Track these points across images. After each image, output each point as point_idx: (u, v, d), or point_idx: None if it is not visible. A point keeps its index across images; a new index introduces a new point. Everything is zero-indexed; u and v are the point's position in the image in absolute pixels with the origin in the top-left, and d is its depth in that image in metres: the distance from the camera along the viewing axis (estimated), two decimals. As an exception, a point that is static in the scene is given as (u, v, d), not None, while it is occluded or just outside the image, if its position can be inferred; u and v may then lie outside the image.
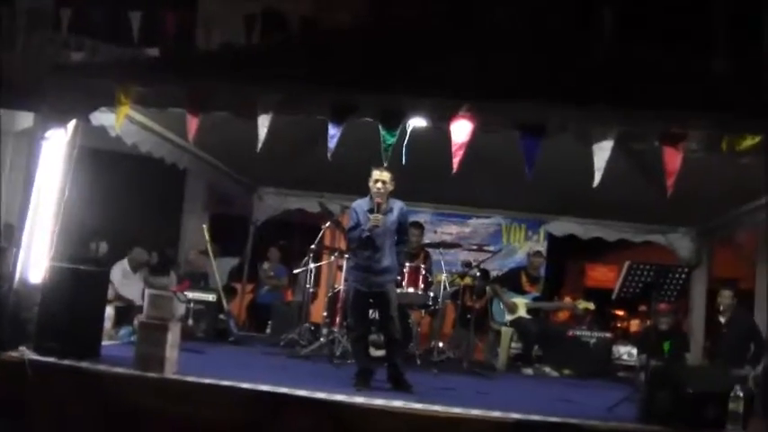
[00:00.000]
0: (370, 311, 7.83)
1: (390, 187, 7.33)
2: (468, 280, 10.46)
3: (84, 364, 6.53)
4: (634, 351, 11.02)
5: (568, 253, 16.76)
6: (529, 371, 10.22)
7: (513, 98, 6.90)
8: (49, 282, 6.97)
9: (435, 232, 13.16)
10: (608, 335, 11.57)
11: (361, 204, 7.48)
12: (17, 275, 7.01)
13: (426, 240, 10.99)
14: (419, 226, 10.46)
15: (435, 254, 10.38)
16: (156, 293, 7.22)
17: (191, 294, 10.12)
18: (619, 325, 16.61)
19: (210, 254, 10.69)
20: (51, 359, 6.53)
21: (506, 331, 10.46)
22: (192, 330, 9.72)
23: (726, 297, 9.53)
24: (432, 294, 9.56)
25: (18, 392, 6.24)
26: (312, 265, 10.21)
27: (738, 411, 6.10)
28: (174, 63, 8.52)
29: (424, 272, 9.46)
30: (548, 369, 10.37)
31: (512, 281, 10.89)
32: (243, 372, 7.09)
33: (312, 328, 10.20)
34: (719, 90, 7.36)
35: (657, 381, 6.65)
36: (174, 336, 6.76)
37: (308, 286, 10.27)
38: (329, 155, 6.95)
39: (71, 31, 13.04)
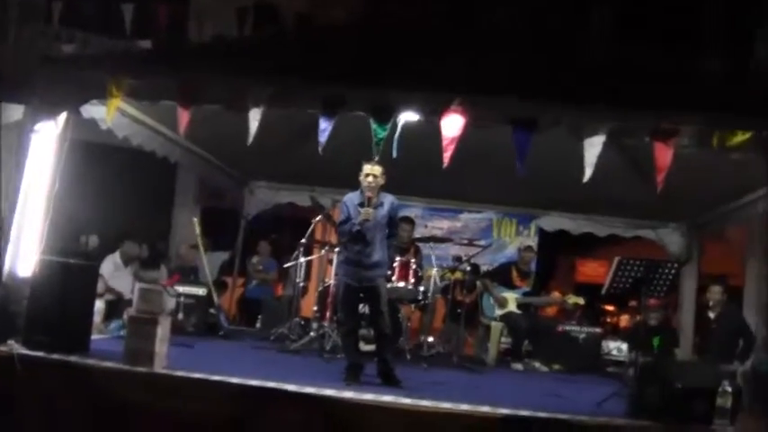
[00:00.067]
0: (361, 306, 7.83)
1: (381, 181, 7.32)
2: (458, 274, 10.49)
3: (73, 359, 6.52)
4: (624, 346, 11.05)
5: (559, 248, 16.80)
6: (519, 366, 10.23)
7: (505, 93, 6.91)
8: (39, 275, 6.95)
9: (426, 227, 13.17)
10: (598, 330, 11.58)
11: (351, 198, 7.47)
12: (6, 269, 6.99)
13: (417, 235, 10.99)
14: (410, 221, 10.46)
15: (426, 248, 10.38)
16: (146, 287, 7.20)
17: (181, 288, 10.11)
18: (609, 320, 16.62)
19: (201, 248, 10.66)
20: (40, 353, 6.51)
21: (496, 326, 10.46)
22: (182, 324, 9.71)
23: (715, 293, 9.55)
24: (422, 289, 9.55)
25: (7, 387, 6.22)
26: (303, 260, 10.21)
27: (726, 407, 6.13)
28: (165, 55, 8.50)
29: (414, 266, 9.45)
30: (537, 364, 10.38)
31: (502, 276, 10.89)
32: (233, 366, 7.08)
33: (302, 322, 10.19)
34: (711, 87, 7.37)
35: (646, 376, 6.67)
36: (163, 330, 6.75)
37: (298, 280, 10.27)
38: (320, 149, 6.95)
39: (62, 23, 12.99)
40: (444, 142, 6.89)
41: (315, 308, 10.00)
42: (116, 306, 9.51)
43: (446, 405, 6.23)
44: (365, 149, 7.05)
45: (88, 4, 12.91)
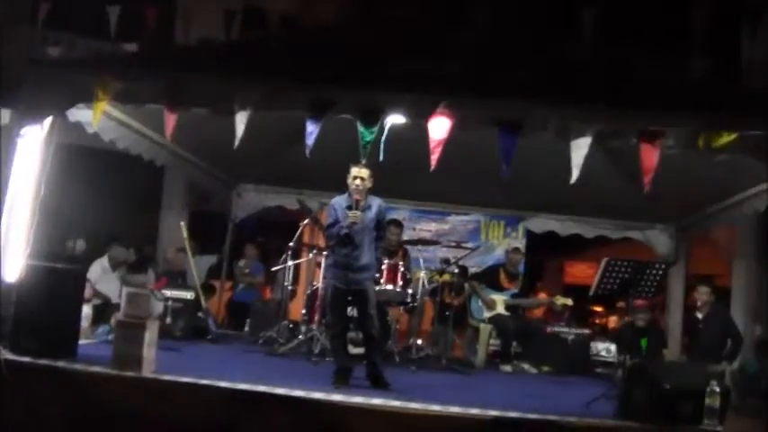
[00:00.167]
0: (349, 309, 7.82)
1: (369, 184, 7.32)
2: (446, 277, 10.48)
3: (60, 364, 6.47)
4: (612, 347, 11.07)
5: (547, 250, 16.81)
6: (507, 368, 10.23)
7: (492, 95, 6.91)
8: (26, 280, 6.90)
9: (414, 229, 13.16)
10: (586, 331, 11.63)
11: (339, 201, 7.47)
12: (-7, 274, 6.96)
13: (405, 237, 10.98)
14: (398, 224, 10.44)
15: (414, 251, 10.38)
16: (134, 291, 7.17)
17: (169, 292, 10.06)
18: (597, 321, 16.67)
19: (189, 251, 10.63)
20: (27, 358, 6.46)
21: (485, 328, 10.47)
22: (171, 329, 9.65)
23: (703, 293, 9.59)
24: (410, 291, 9.54)
25: (-6, 392, 6.19)
26: (291, 263, 10.20)
27: (715, 407, 6.15)
28: (152, 58, 8.47)
29: (402, 269, 9.44)
30: (526, 366, 10.39)
31: (490, 278, 10.89)
32: (221, 370, 7.07)
33: (291, 325, 10.16)
34: (699, 88, 7.40)
35: (634, 377, 6.68)
36: (151, 334, 6.72)
37: (286, 284, 10.25)
38: (307, 152, 6.93)
39: (48, 26, 12.95)
40: (431, 145, 6.88)
41: (303, 311, 9.96)
42: (104, 310, 9.47)
43: (435, 407, 6.23)
44: (352, 152, 7.04)
45: (74, 7, 12.90)
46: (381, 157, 7.02)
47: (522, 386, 9.02)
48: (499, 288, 10.71)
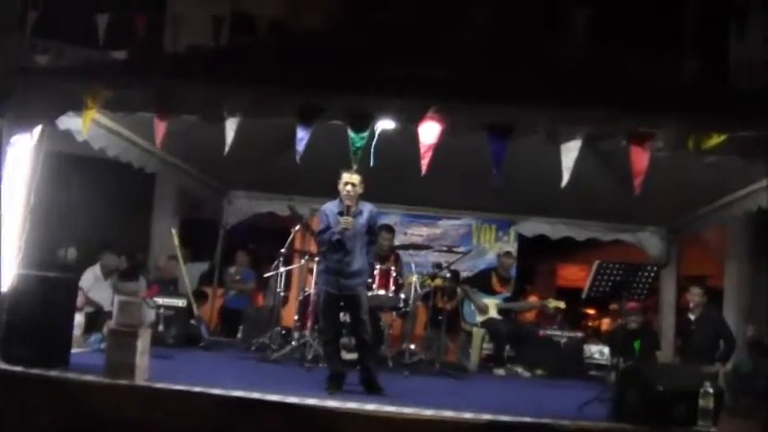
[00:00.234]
0: (342, 314, 7.81)
1: (360, 190, 7.30)
2: (438, 281, 10.46)
3: (53, 373, 6.45)
4: (605, 350, 11.08)
5: (539, 253, 16.82)
6: (501, 371, 10.24)
7: (481, 99, 6.91)
8: (17, 289, 6.87)
9: (405, 234, 13.16)
10: (579, 334, 11.64)
11: (330, 207, 7.46)
12: (-17, 284, 6.93)
13: (396, 242, 10.98)
14: (390, 229, 10.43)
15: (405, 256, 10.37)
16: (126, 300, 7.16)
17: (161, 300, 10.05)
18: (590, 324, 16.69)
19: (180, 259, 10.61)
20: (19, 368, 6.44)
21: (478, 332, 10.47)
22: (163, 336, 9.64)
23: (695, 295, 9.59)
24: (402, 296, 9.51)
25: (-14, 402, 6.17)
26: (282, 269, 10.19)
27: (708, 408, 6.14)
28: (141, 66, 8.46)
29: (394, 274, 9.42)
30: (520, 369, 10.39)
31: (482, 282, 10.90)
32: (214, 377, 7.05)
33: (283, 332, 10.14)
34: (689, 90, 7.42)
35: (627, 379, 6.68)
36: (144, 342, 6.70)
37: (278, 290, 10.24)
38: (298, 158, 6.92)
39: (36, 34, 12.93)
40: (422, 149, 6.87)
41: (296, 317, 9.95)
42: (96, 319, 9.45)
43: (429, 412, 6.22)
44: (343, 158, 7.04)
45: (62, 15, 12.89)
46: (372, 163, 7.03)
47: (515, 390, 9.03)
48: (491, 292, 10.72)
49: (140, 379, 6.54)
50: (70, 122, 7.50)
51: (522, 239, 13.46)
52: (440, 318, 10.17)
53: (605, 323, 15.92)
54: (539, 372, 10.40)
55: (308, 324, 9.45)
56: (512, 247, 12.91)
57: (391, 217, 12.53)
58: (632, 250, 12.57)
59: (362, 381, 7.34)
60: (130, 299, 7.54)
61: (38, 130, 7.20)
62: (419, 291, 10.11)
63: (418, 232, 13.50)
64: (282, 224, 12.20)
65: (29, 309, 6.80)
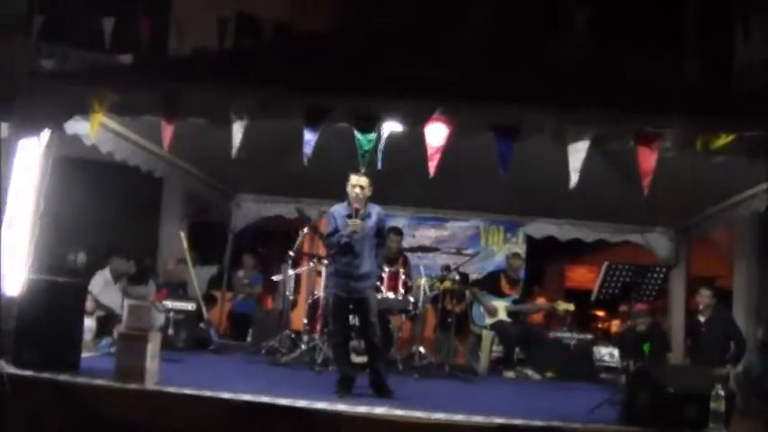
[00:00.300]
0: (351, 317, 7.80)
1: (368, 192, 7.30)
2: (447, 284, 10.44)
3: (63, 377, 6.47)
4: (615, 352, 11.04)
5: (547, 254, 16.79)
6: (510, 374, 10.21)
7: (487, 100, 6.91)
8: (27, 294, 6.89)
9: (413, 236, 13.16)
10: (588, 336, 11.61)
11: (338, 210, 7.45)
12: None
13: (404, 245, 10.96)
14: (398, 231, 10.42)
15: (414, 258, 10.35)
16: (135, 304, 7.16)
17: (170, 303, 10.03)
18: (599, 326, 16.63)
19: (189, 262, 10.61)
20: (30, 372, 6.45)
21: (487, 334, 10.44)
22: (172, 340, 9.63)
23: (705, 296, 9.55)
24: (411, 299, 9.52)
25: (-4, 406, 6.17)
26: (291, 272, 10.18)
27: (720, 410, 6.10)
28: (147, 69, 8.47)
29: (403, 276, 9.43)
30: (529, 372, 10.36)
31: (491, 284, 10.86)
32: (224, 381, 7.06)
33: (292, 335, 10.12)
34: (693, 90, 7.40)
35: (637, 382, 6.66)
36: (153, 346, 6.71)
37: (287, 293, 10.23)
38: (305, 160, 6.92)
39: (42, 38, 12.94)
40: (429, 152, 6.87)
41: (305, 321, 9.96)
42: (107, 322, 9.44)
43: (439, 415, 6.21)
44: (350, 161, 7.04)
45: (68, 19, 12.90)
46: (379, 167, 7.02)
47: (525, 392, 9.00)
48: (500, 294, 10.69)
49: (150, 383, 6.54)
50: (78, 127, 7.51)
51: (530, 241, 13.45)
52: (449, 320, 10.15)
53: (615, 325, 15.86)
54: (548, 374, 10.36)
55: (318, 327, 9.46)
56: (520, 248, 12.87)
57: (399, 219, 12.51)
58: (641, 251, 12.53)
59: (372, 384, 7.33)
60: (140, 303, 7.52)
61: (46, 134, 7.21)
62: (428, 293, 10.09)
63: (426, 234, 13.50)
64: (290, 227, 12.19)
65: (39, 313, 6.83)
